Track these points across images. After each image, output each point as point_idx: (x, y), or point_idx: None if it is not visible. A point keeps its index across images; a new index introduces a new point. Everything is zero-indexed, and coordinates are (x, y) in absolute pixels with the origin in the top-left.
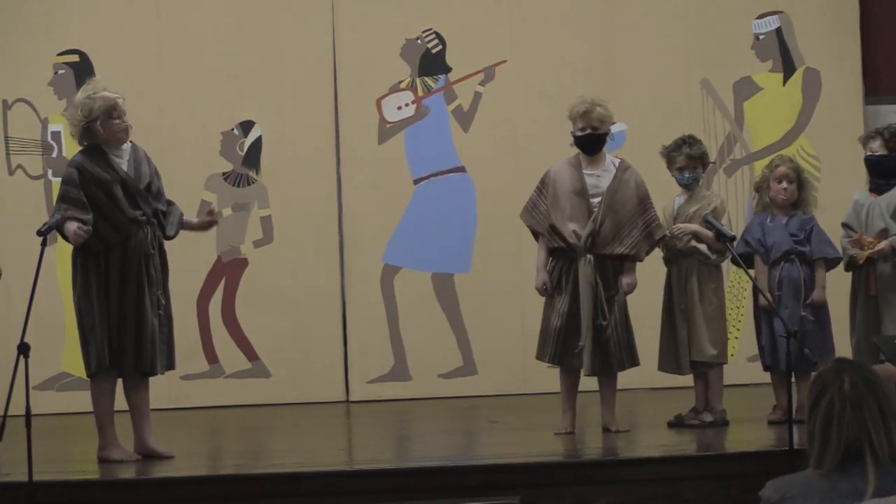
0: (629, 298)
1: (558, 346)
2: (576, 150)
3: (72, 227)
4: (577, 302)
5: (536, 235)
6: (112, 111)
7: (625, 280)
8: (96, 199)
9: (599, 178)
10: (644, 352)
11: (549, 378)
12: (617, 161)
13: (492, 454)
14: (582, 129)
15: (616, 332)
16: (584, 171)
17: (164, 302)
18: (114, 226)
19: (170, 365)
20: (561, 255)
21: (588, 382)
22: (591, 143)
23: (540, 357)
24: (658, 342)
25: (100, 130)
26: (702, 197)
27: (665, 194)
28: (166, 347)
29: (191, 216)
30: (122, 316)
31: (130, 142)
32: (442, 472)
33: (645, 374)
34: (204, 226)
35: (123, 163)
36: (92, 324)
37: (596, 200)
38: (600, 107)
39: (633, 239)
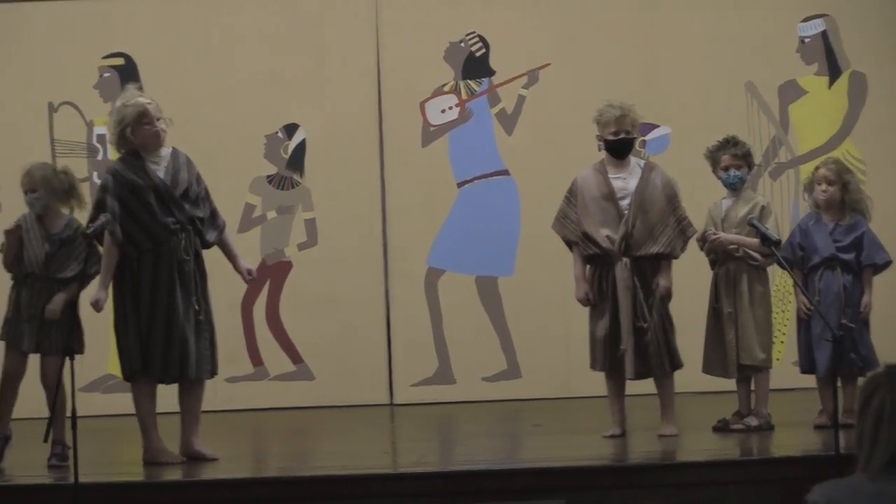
0: (672, 300)
1: (606, 353)
2: (602, 156)
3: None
4: (618, 306)
5: (570, 245)
6: (142, 117)
7: (661, 282)
8: (130, 205)
9: (626, 180)
10: (688, 355)
11: (592, 382)
12: (642, 162)
13: (536, 458)
14: (615, 134)
15: (656, 335)
16: (611, 176)
17: (200, 308)
18: (146, 232)
19: (213, 371)
20: (598, 262)
21: (637, 386)
22: (625, 147)
23: (592, 366)
24: (702, 345)
25: (133, 137)
26: (749, 199)
27: (710, 198)
28: (209, 353)
29: (235, 219)
30: (152, 322)
31: (172, 147)
32: (486, 476)
33: (688, 377)
34: (239, 270)
35: (160, 169)
36: (125, 329)
37: (625, 203)
38: (632, 111)
39: (668, 237)
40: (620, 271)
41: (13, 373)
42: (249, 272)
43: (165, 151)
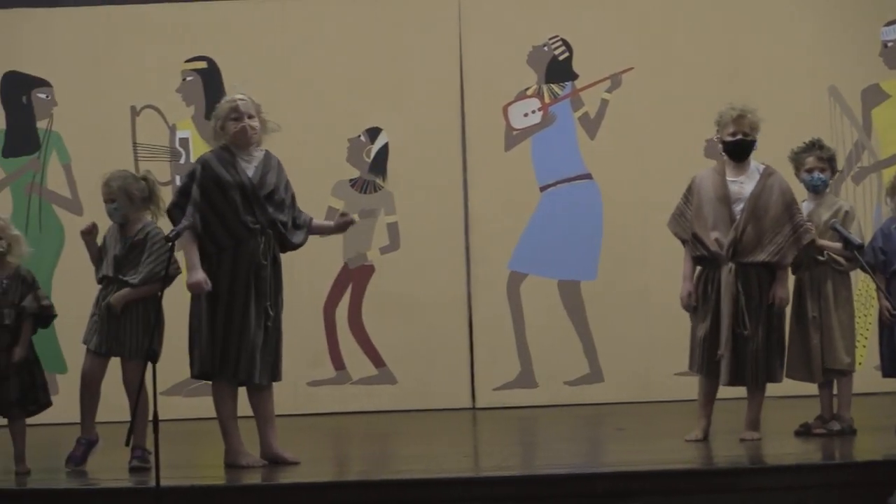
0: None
1: (703, 355)
2: (722, 157)
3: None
4: (720, 310)
5: (684, 243)
6: (232, 112)
7: (778, 293)
8: (213, 199)
9: (743, 184)
10: None
11: (675, 385)
12: (762, 167)
13: (618, 462)
14: (733, 135)
15: (757, 345)
16: (728, 178)
17: (273, 314)
18: (226, 228)
19: (274, 376)
20: (706, 264)
21: (723, 389)
22: (742, 149)
23: (690, 367)
24: (786, 349)
25: (223, 131)
26: (832, 203)
27: None
28: (272, 359)
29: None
30: (227, 324)
31: (266, 150)
32: (568, 480)
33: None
34: (340, 227)
35: (250, 168)
36: (198, 327)
37: (739, 207)
38: (751, 113)
39: (777, 245)
40: (726, 276)
41: (90, 375)
42: (343, 214)
43: (259, 152)
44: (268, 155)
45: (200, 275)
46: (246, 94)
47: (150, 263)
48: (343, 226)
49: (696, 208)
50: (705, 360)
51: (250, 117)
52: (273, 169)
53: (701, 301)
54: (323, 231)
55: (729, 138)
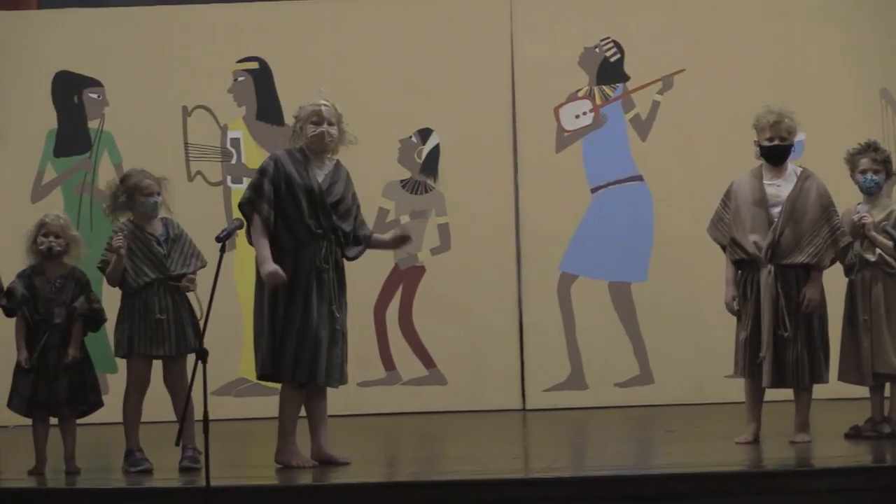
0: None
1: (746, 358)
2: (759, 161)
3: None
4: (761, 313)
5: (723, 248)
6: (313, 115)
7: (808, 293)
8: (282, 198)
9: (780, 187)
10: None
11: (725, 387)
12: (799, 170)
13: (668, 464)
14: (770, 140)
15: (798, 347)
16: (766, 182)
17: (338, 316)
18: (290, 229)
19: (342, 379)
20: (746, 267)
21: (773, 392)
22: (779, 153)
23: (734, 371)
24: (839, 352)
25: (301, 133)
26: (885, 206)
27: (845, 203)
28: (339, 361)
29: (368, 224)
30: (287, 326)
31: (337, 160)
32: (617, 482)
33: (822, 384)
34: (396, 243)
35: (321, 174)
36: (260, 329)
37: (776, 210)
38: (788, 118)
39: (816, 247)
40: (765, 278)
41: (145, 381)
42: (403, 232)
43: (331, 161)
44: (338, 165)
45: (274, 265)
46: (330, 101)
47: (196, 256)
48: (398, 241)
49: (734, 212)
50: (747, 363)
51: (330, 124)
52: (342, 179)
53: (742, 304)
54: (380, 246)
55: (766, 143)
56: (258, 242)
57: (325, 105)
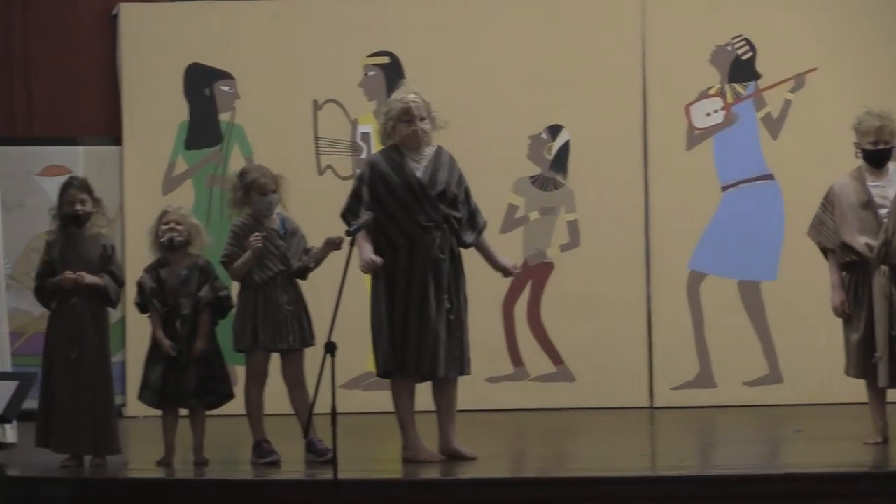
0: None
1: (860, 360)
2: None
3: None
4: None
5: (825, 252)
6: (404, 114)
7: None
8: (384, 199)
9: (885, 188)
10: None
11: (855, 387)
12: None
13: (796, 463)
14: (874, 144)
15: None
16: (869, 183)
17: (453, 307)
18: (398, 228)
19: (462, 370)
20: (855, 269)
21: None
22: (882, 157)
23: (846, 371)
24: None
25: (394, 132)
26: None
27: None
28: (458, 352)
29: (497, 220)
30: (406, 320)
31: (438, 145)
32: (745, 481)
33: None
34: (496, 267)
35: (419, 168)
36: (379, 326)
37: (884, 211)
38: (891, 122)
39: None
40: (878, 279)
41: (264, 373)
42: (515, 266)
43: (429, 150)
44: (439, 151)
45: (369, 254)
46: (418, 93)
47: (307, 252)
48: (498, 267)
49: (839, 216)
50: (862, 365)
51: (422, 119)
52: (444, 166)
53: (853, 306)
54: (484, 255)
55: (870, 147)
56: (361, 247)
57: (414, 101)
